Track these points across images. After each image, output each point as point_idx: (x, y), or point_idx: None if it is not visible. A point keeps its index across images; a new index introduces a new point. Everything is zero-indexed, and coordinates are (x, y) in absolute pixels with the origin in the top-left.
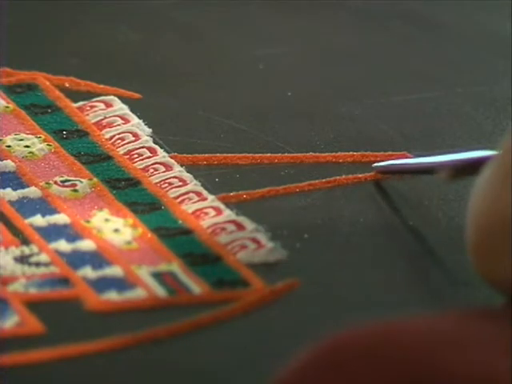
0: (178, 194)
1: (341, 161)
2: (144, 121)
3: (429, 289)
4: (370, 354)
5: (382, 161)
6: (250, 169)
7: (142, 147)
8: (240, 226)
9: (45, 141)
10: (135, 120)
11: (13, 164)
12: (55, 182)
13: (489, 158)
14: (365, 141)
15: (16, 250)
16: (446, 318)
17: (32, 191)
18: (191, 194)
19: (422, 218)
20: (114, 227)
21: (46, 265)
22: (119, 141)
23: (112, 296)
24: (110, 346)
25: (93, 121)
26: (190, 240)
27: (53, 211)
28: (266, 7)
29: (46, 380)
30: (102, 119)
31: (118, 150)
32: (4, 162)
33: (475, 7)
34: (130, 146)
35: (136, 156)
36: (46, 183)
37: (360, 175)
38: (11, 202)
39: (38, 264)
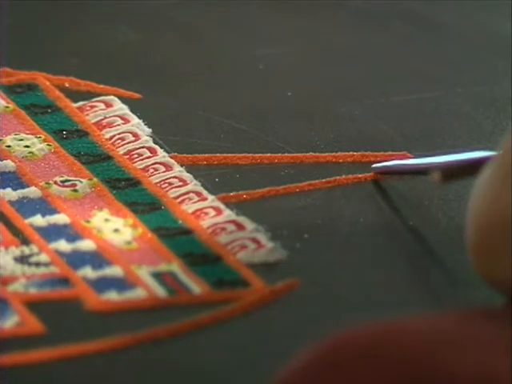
0: (178, 193)
1: (341, 161)
2: (144, 121)
3: (429, 289)
4: (370, 354)
5: (382, 161)
6: (250, 169)
7: (142, 147)
8: (240, 226)
9: (45, 141)
10: (135, 120)
11: (13, 164)
12: (55, 182)
13: (488, 158)
14: (365, 141)
15: (16, 250)
16: (445, 318)
17: (32, 191)
18: (191, 194)
19: (421, 218)
20: (114, 227)
21: (46, 265)
22: (119, 141)
23: (112, 296)
24: (110, 346)
25: (93, 121)
26: (190, 240)
27: (53, 211)
28: (266, 7)
29: (46, 380)
30: (102, 119)
31: (118, 149)
32: (4, 161)
33: (475, 7)
34: (130, 146)
35: (136, 156)
36: (46, 183)
37: (360, 175)
38: (11, 202)
39: (37, 264)
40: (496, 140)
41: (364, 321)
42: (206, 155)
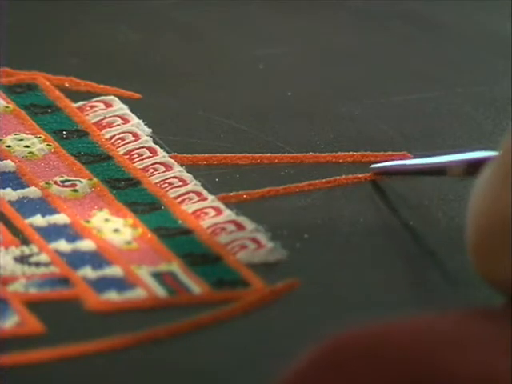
0: (178, 193)
1: (341, 161)
2: (144, 121)
3: (429, 289)
4: (370, 354)
5: (382, 161)
6: (250, 169)
7: (142, 147)
8: (240, 226)
9: (45, 141)
10: (135, 120)
11: (13, 164)
12: (55, 182)
13: (489, 158)
14: (365, 141)
15: (16, 250)
16: (445, 318)
17: (32, 191)
18: (191, 194)
19: (421, 218)
20: (113, 227)
21: (46, 265)
22: (119, 141)
23: (112, 296)
24: (110, 346)
25: (93, 121)
26: (190, 240)
27: (53, 211)
28: (266, 7)
29: (46, 380)
30: (102, 119)
31: (118, 149)
32: (4, 161)
33: (475, 7)
34: (130, 146)
35: (136, 156)
36: (46, 183)
37: (360, 175)
38: (11, 202)
39: (38, 264)
40: (496, 140)
41: (364, 321)
42: (206, 155)
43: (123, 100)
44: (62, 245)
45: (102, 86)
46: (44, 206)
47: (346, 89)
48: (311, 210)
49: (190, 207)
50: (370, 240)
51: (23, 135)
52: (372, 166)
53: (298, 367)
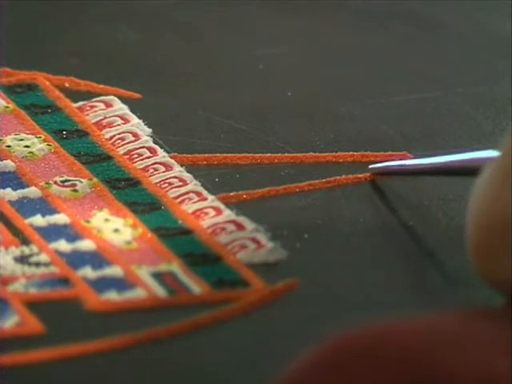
0: (178, 193)
1: (341, 161)
2: (144, 121)
3: (429, 289)
4: (370, 355)
5: (382, 161)
6: (250, 169)
7: (142, 147)
8: (240, 226)
9: (45, 141)
10: (135, 120)
11: (13, 164)
12: (55, 182)
13: (488, 158)
14: (365, 141)
15: (16, 250)
16: (445, 317)
17: (32, 191)
18: (191, 194)
19: (421, 218)
20: (113, 227)
21: (46, 265)
22: (119, 141)
23: (112, 296)
24: (110, 346)
25: (93, 121)
26: (190, 240)
27: (53, 211)
28: (266, 7)
29: (46, 380)
30: (102, 119)
31: (118, 149)
32: (4, 161)
33: (475, 7)
34: (130, 146)
35: (136, 156)
36: (46, 183)
37: (360, 175)
38: (11, 202)
39: (38, 264)
40: (496, 140)
41: (364, 321)
42: (206, 155)
43: (123, 100)
44: (62, 245)
45: (102, 86)
46: (44, 206)
47: (346, 89)
48: (311, 210)
49: (189, 207)
50: (370, 240)
51: (23, 135)
52: (370, 166)
53: (298, 367)
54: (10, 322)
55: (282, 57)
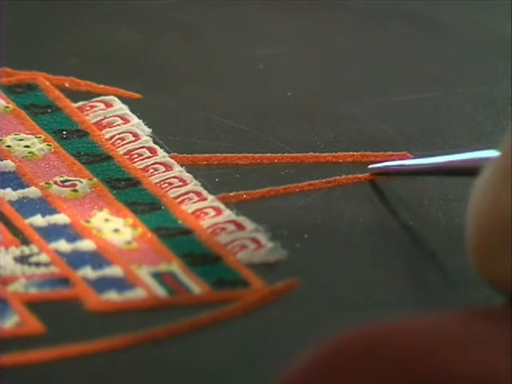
0: (177, 193)
1: (341, 161)
2: (144, 121)
3: (429, 289)
4: (370, 355)
5: (382, 161)
6: (250, 169)
7: (142, 147)
8: (240, 226)
9: (45, 141)
10: (135, 120)
11: (13, 164)
12: (55, 182)
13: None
14: (365, 141)
15: (16, 250)
16: (445, 317)
17: (32, 191)
18: (191, 194)
19: (421, 218)
20: (113, 227)
21: (46, 265)
22: (119, 141)
23: (112, 296)
24: (110, 346)
25: (93, 121)
26: (190, 240)
27: (53, 211)
28: (266, 7)
29: (46, 380)
30: (102, 119)
31: (118, 149)
32: (4, 161)
33: (475, 7)
34: (130, 146)
35: (136, 156)
36: (46, 183)
37: (360, 175)
38: (11, 202)
39: (38, 264)
40: (496, 140)
41: (364, 321)
42: (206, 155)
43: (123, 100)
44: (62, 245)
45: (102, 86)
46: (44, 206)
47: (346, 89)
48: (311, 210)
49: (189, 207)
50: (370, 240)
51: (23, 135)
52: (370, 166)
53: (298, 367)
54: (10, 322)
55: (281, 57)
